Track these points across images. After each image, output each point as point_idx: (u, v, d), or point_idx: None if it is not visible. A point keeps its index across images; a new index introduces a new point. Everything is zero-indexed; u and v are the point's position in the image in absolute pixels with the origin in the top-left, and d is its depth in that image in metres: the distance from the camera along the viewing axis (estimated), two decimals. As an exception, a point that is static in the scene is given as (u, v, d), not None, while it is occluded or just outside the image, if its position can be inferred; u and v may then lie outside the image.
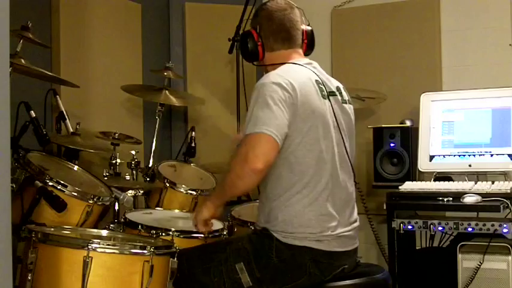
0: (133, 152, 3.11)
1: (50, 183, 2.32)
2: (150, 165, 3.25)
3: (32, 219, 2.25)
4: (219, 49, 3.74)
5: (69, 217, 2.36)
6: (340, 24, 4.04)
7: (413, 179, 3.33)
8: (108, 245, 2.00)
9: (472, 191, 2.91)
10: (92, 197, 2.41)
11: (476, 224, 2.85)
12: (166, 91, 3.43)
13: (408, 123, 3.49)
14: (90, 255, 1.93)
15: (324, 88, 2.19)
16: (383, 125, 3.52)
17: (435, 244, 3.44)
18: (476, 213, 3.01)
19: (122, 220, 2.55)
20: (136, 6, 3.88)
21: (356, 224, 2.24)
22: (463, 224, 2.88)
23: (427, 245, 3.47)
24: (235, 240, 2.31)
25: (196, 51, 4.13)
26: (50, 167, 2.44)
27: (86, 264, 1.92)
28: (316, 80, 2.18)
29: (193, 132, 3.47)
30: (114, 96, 3.60)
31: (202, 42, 4.12)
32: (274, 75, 2.11)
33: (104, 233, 2.36)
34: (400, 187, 3.13)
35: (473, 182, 3.05)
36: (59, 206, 2.28)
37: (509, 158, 3.13)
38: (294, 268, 2.07)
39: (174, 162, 3.31)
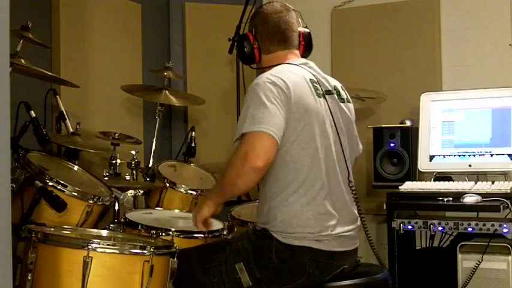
0: (133, 152, 3.11)
1: (50, 183, 2.32)
2: (150, 165, 3.25)
3: (32, 219, 2.25)
4: (219, 49, 3.74)
5: (69, 217, 2.35)
6: (340, 24, 4.04)
7: (413, 179, 3.33)
8: (108, 245, 1.99)
9: (472, 191, 2.91)
10: (92, 197, 2.41)
11: (476, 224, 2.85)
12: (166, 91, 3.43)
13: (408, 123, 3.49)
14: (90, 255, 1.93)
15: (319, 87, 2.19)
16: (383, 125, 3.53)
17: (435, 244, 3.44)
18: (476, 213, 3.01)
19: (122, 220, 2.55)
20: (136, 6, 3.88)
21: (357, 224, 2.24)
22: (463, 224, 2.88)
23: (427, 245, 3.47)
24: (234, 240, 2.31)
25: (196, 51, 4.13)
26: (50, 167, 2.44)
27: (86, 264, 1.92)
28: (311, 79, 2.19)
29: (193, 132, 3.47)
30: (114, 96, 3.61)
31: (202, 42, 4.12)
32: (268, 75, 2.12)
33: (104, 233, 2.36)
34: (400, 187, 3.13)
35: (473, 182, 3.05)
36: (59, 206, 2.28)
37: (509, 158, 3.13)
38: (294, 268, 2.07)
39: (174, 162, 3.31)
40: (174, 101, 3.45)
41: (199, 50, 4.13)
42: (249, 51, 2.31)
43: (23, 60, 2.58)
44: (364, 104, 3.47)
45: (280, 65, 2.22)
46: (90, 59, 3.55)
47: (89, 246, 1.94)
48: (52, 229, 2.18)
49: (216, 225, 2.66)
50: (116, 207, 2.60)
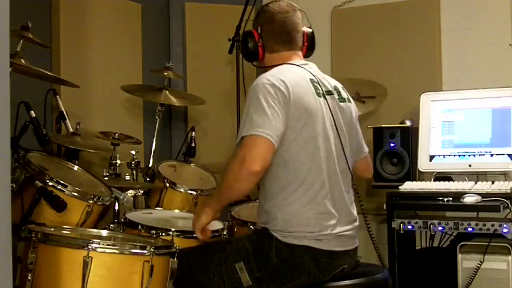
0: (133, 152, 3.11)
1: (50, 183, 2.32)
2: (150, 165, 3.25)
3: (32, 219, 2.25)
4: (219, 49, 3.74)
5: (69, 217, 2.35)
6: (340, 24, 4.04)
7: (413, 179, 3.33)
8: (108, 245, 1.99)
9: (472, 191, 2.91)
10: (92, 197, 2.41)
11: (476, 224, 2.85)
12: (166, 91, 3.43)
13: (408, 123, 3.49)
14: (90, 255, 1.92)
15: (319, 87, 2.20)
16: (383, 125, 3.52)
17: (435, 244, 3.44)
18: (476, 213, 3.01)
19: (122, 220, 2.55)
20: (136, 6, 3.88)
21: (356, 224, 2.24)
22: (463, 224, 2.88)
23: (427, 245, 3.47)
24: (235, 239, 2.31)
25: (196, 51, 4.13)
26: (50, 167, 2.44)
27: (86, 264, 1.92)
28: (311, 79, 2.19)
29: (193, 132, 3.47)
30: (114, 96, 3.61)
31: (202, 42, 4.12)
32: (268, 76, 2.13)
33: (104, 233, 2.36)
34: (400, 187, 3.13)
35: (473, 182, 3.05)
36: (59, 206, 2.28)
37: (509, 158, 3.13)
38: (294, 267, 2.07)
39: (174, 162, 3.31)
40: (174, 101, 3.45)
41: (199, 50, 4.13)
42: (253, 49, 2.31)
43: (23, 60, 2.58)
44: (364, 105, 3.47)
45: (280, 65, 2.23)
46: (90, 59, 3.55)
47: (89, 246, 1.94)
48: (52, 229, 2.18)
49: (216, 225, 2.66)
50: (116, 207, 2.60)
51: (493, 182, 3.00)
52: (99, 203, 2.45)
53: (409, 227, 2.99)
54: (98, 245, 1.96)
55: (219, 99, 4.07)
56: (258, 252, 2.09)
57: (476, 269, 2.83)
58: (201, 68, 4.12)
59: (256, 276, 2.08)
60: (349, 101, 2.34)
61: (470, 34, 3.70)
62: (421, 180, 3.28)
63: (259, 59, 2.33)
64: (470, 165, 3.21)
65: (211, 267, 2.13)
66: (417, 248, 3.49)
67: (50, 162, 2.57)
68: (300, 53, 2.34)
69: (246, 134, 2.03)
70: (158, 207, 2.97)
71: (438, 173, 3.29)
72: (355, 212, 2.25)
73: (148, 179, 3.11)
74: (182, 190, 3.00)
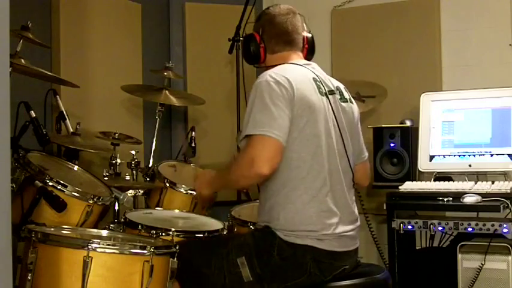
0: (133, 152, 3.10)
1: (50, 183, 2.32)
2: (150, 165, 3.24)
3: (32, 219, 2.25)
4: (219, 49, 3.74)
5: (69, 217, 2.35)
6: (340, 24, 4.04)
7: (413, 179, 3.33)
8: (108, 245, 1.99)
9: (472, 191, 2.91)
10: (92, 197, 2.41)
11: (476, 224, 2.85)
12: (166, 91, 3.43)
13: (408, 123, 3.49)
14: (90, 255, 1.92)
15: (322, 86, 2.21)
16: (383, 125, 3.53)
17: (435, 244, 3.44)
18: (476, 213, 3.01)
19: (122, 220, 2.55)
20: (136, 6, 3.87)
21: (357, 224, 2.24)
22: (463, 224, 2.88)
23: (427, 245, 3.47)
24: (237, 235, 2.33)
25: (196, 51, 4.13)
26: (50, 167, 2.44)
27: (86, 264, 1.92)
28: (314, 78, 2.20)
29: (193, 132, 3.47)
30: (114, 96, 3.60)
31: (202, 42, 4.12)
32: (271, 73, 2.14)
33: (104, 233, 2.36)
34: (400, 187, 3.14)
35: (473, 182, 3.05)
36: (59, 206, 2.28)
37: (509, 158, 3.13)
38: (295, 267, 2.07)
39: (174, 162, 3.31)
40: (174, 101, 3.45)
41: (199, 50, 4.13)
42: (255, 51, 2.33)
43: (23, 60, 2.58)
44: (364, 104, 3.47)
45: (283, 64, 2.23)
46: (90, 59, 3.55)
47: (89, 246, 1.93)
48: (52, 229, 2.18)
49: (216, 225, 2.66)
50: (116, 207, 2.60)
51: (493, 182, 3.00)
52: (99, 203, 2.45)
53: (409, 227, 2.99)
54: (98, 245, 1.95)
55: (219, 99, 4.07)
56: (260, 249, 2.10)
57: (476, 269, 2.83)
58: (201, 68, 4.12)
59: (257, 272, 2.08)
60: (351, 102, 2.35)
61: (470, 34, 3.70)
62: (421, 180, 3.28)
63: (261, 61, 2.35)
64: (470, 165, 3.21)
65: (213, 260, 2.14)
66: (417, 248, 3.50)
67: (50, 162, 2.57)
68: (301, 54, 2.35)
69: (252, 132, 2.03)
70: (158, 207, 2.97)
71: (438, 173, 3.29)
72: (356, 211, 2.26)
73: (148, 179, 3.11)
74: (182, 190, 3.00)
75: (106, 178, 2.85)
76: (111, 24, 3.71)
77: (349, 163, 2.24)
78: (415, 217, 3.05)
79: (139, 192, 3.01)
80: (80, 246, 1.94)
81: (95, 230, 2.38)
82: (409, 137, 3.44)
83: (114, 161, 2.99)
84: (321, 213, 2.10)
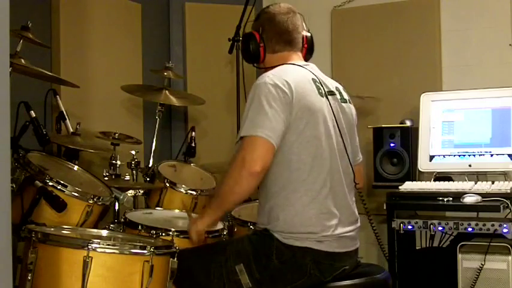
0: (133, 152, 3.11)
1: (50, 183, 2.32)
2: (150, 165, 3.24)
3: (32, 219, 2.25)
4: (219, 49, 3.74)
5: (69, 217, 2.35)
6: (340, 24, 4.04)
7: (413, 179, 3.33)
8: (108, 245, 1.99)
9: (472, 191, 2.91)
10: (92, 197, 2.41)
11: (476, 224, 2.85)
12: (166, 91, 3.43)
13: (408, 123, 3.49)
14: (90, 255, 1.92)
15: (321, 87, 2.20)
16: (383, 125, 3.52)
17: (435, 244, 3.44)
18: (476, 213, 3.01)
19: (122, 220, 2.55)
20: (136, 6, 3.87)
21: (358, 224, 2.24)
22: (463, 224, 2.88)
23: (427, 245, 3.47)
24: (235, 240, 2.31)
25: (196, 51, 4.13)
26: (50, 167, 2.44)
27: (86, 264, 1.92)
28: (313, 79, 2.20)
29: (193, 132, 3.46)
30: (114, 96, 3.60)
31: (202, 42, 4.12)
32: (270, 75, 2.13)
33: (104, 233, 2.36)
34: (400, 187, 3.13)
35: (473, 182, 3.05)
36: (59, 206, 2.28)
37: (509, 158, 3.13)
38: (295, 269, 2.07)
39: (174, 162, 3.31)
40: (174, 101, 3.45)
41: (199, 50, 4.13)
42: (254, 50, 2.32)
43: (23, 60, 2.58)
44: (364, 104, 3.47)
45: (282, 65, 2.23)
46: (90, 59, 3.55)
47: (89, 246, 1.93)
48: (52, 229, 2.18)
49: (216, 225, 2.65)
50: (116, 207, 2.60)
51: (493, 182, 3.00)
52: (99, 203, 2.45)
53: (409, 227, 2.99)
54: (98, 245, 1.95)
55: (219, 99, 4.07)
56: (258, 253, 2.09)
57: (476, 269, 2.83)
58: (201, 68, 4.12)
59: (256, 278, 2.07)
60: (350, 102, 2.35)
61: (470, 34, 3.70)
62: (421, 180, 3.28)
63: (260, 60, 2.34)
64: (470, 165, 3.21)
65: (212, 269, 2.13)
66: (417, 248, 3.49)
67: (50, 162, 2.57)
68: (300, 54, 2.35)
69: (245, 134, 2.03)
70: (158, 207, 2.97)
71: (438, 173, 3.29)
72: (356, 212, 2.26)
73: (148, 179, 3.11)
74: (182, 190, 3.00)
75: (106, 178, 2.85)
76: (111, 24, 3.71)
77: (350, 163, 2.24)
78: (415, 217, 3.05)
79: (139, 192, 3.01)
80: (80, 246, 1.94)
81: (95, 230, 2.39)
82: (409, 137, 3.44)
83: (114, 161, 2.99)
84: (321, 215, 2.09)
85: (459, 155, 3.26)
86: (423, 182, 3.19)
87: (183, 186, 3.01)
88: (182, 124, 4.14)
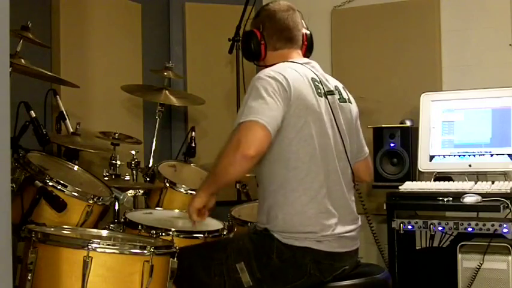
0: (133, 152, 3.11)
1: (50, 183, 2.32)
2: (150, 165, 3.24)
3: (32, 219, 2.25)
4: (219, 49, 3.74)
5: (69, 217, 2.35)
6: (340, 24, 4.04)
7: (413, 179, 3.33)
8: (108, 245, 1.99)
9: (472, 191, 2.91)
10: (92, 197, 2.41)
11: (476, 224, 2.85)
12: (166, 91, 3.43)
13: (408, 123, 3.49)
14: (90, 255, 1.92)
15: (320, 86, 2.20)
16: (383, 125, 3.52)
17: (435, 244, 3.44)
18: (476, 213, 3.01)
19: (122, 220, 2.55)
20: (136, 6, 3.87)
21: (358, 224, 2.24)
22: (463, 224, 2.88)
23: (427, 245, 3.47)
24: (236, 239, 2.31)
25: (196, 51, 4.13)
26: (50, 167, 2.44)
27: (86, 264, 1.92)
28: (313, 78, 2.19)
29: (193, 132, 3.46)
30: (114, 96, 3.60)
31: (202, 42, 4.12)
32: (269, 71, 2.13)
33: (104, 233, 2.36)
34: (400, 187, 3.13)
35: (473, 182, 3.05)
36: (59, 206, 2.28)
37: (509, 158, 3.13)
38: (295, 268, 2.07)
39: (174, 162, 3.31)
40: (174, 101, 3.45)
41: (199, 50, 4.13)
42: (255, 48, 2.31)
43: (23, 60, 2.58)
44: (364, 104, 3.47)
45: (282, 63, 2.23)
46: (90, 59, 3.55)
47: (89, 246, 1.94)
48: (52, 229, 2.18)
49: (216, 225, 2.65)
50: (116, 207, 2.60)
51: (493, 182, 3.00)
52: (99, 203, 2.45)
53: (409, 227, 2.99)
54: (98, 245, 1.95)
55: (219, 99, 4.07)
56: (258, 252, 2.09)
57: (476, 269, 2.83)
58: (201, 68, 4.12)
59: (257, 276, 2.08)
60: (350, 102, 2.34)
61: (470, 34, 3.70)
62: (421, 180, 3.28)
63: (261, 58, 2.33)
64: (470, 165, 3.21)
65: (212, 266, 2.13)
66: (417, 248, 3.49)
67: (50, 162, 2.57)
68: (300, 52, 2.35)
69: (242, 120, 2.01)
70: (158, 207, 2.97)
71: (438, 173, 3.29)
72: (355, 212, 2.25)
73: (148, 179, 3.11)
74: (182, 190, 3.00)
75: (106, 178, 2.85)
76: (111, 24, 3.71)
77: (349, 164, 2.23)
78: (415, 217, 3.05)
79: (139, 192, 3.01)
80: (80, 246, 1.94)
81: (95, 230, 2.39)
82: (409, 137, 3.44)
83: (114, 161, 2.99)
84: (320, 214, 2.09)
85: (459, 155, 3.26)
86: (423, 182, 3.19)
87: (183, 186, 3.01)
88: (182, 124, 4.14)
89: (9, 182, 1.42)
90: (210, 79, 4.10)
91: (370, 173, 2.51)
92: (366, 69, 3.90)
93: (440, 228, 2.94)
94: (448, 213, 3.20)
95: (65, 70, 3.32)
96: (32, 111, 2.49)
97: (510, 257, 2.81)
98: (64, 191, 2.34)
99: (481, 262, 2.81)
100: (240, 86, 3.68)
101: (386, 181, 3.45)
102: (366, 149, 2.44)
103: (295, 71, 2.17)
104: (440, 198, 2.95)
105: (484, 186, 2.97)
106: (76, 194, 2.37)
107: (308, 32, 2.38)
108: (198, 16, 4.15)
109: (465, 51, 3.71)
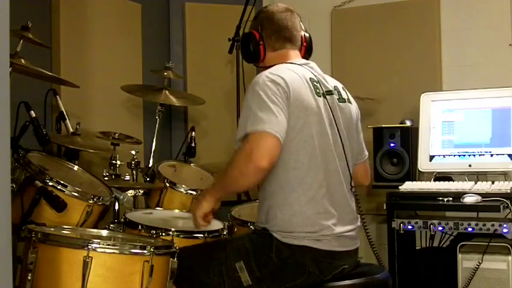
0: (133, 152, 3.11)
1: (50, 183, 2.32)
2: (150, 165, 3.25)
3: (32, 219, 2.25)
4: (219, 49, 3.75)
5: (69, 217, 2.35)
6: (340, 24, 4.04)
7: (413, 179, 3.33)
8: (108, 245, 1.99)
9: (472, 191, 2.91)
10: (92, 197, 2.41)
11: (476, 224, 2.85)
12: (166, 91, 3.43)
13: (408, 123, 3.49)
14: (90, 255, 1.92)
15: (319, 86, 2.20)
16: (383, 125, 3.52)
17: (435, 244, 3.44)
18: (476, 213, 3.01)
19: (122, 220, 2.55)
20: (136, 6, 3.88)
21: (357, 224, 2.24)
22: (463, 224, 2.88)
23: (427, 245, 3.47)
24: (235, 239, 2.30)
25: (196, 51, 4.13)
26: (50, 167, 2.44)
27: (86, 264, 1.92)
28: (311, 78, 2.20)
29: (193, 132, 3.46)
30: (114, 96, 3.60)
31: (202, 42, 4.12)
32: (267, 73, 2.13)
33: (104, 233, 2.36)
34: (400, 187, 3.14)
35: (473, 182, 3.05)
36: (59, 206, 2.28)
37: (509, 158, 3.13)
38: (294, 267, 2.07)
39: (174, 162, 3.31)
40: (174, 101, 3.45)
41: (199, 50, 4.13)
42: (255, 49, 2.31)
43: (23, 60, 2.58)
44: (364, 104, 3.47)
45: (280, 64, 2.23)
46: (90, 59, 3.55)
47: (89, 246, 1.93)
48: (52, 229, 2.18)
49: (216, 225, 2.65)
50: (116, 207, 2.60)
51: (493, 182, 3.00)
52: (99, 203, 2.45)
53: (409, 227, 2.99)
54: (98, 245, 1.95)
55: (219, 99, 4.07)
56: (258, 251, 2.09)
57: (476, 269, 2.84)
58: (201, 68, 4.12)
59: (257, 276, 2.08)
60: (350, 102, 2.34)
61: (470, 34, 3.70)
62: (421, 180, 3.28)
63: (260, 59, 2.34)
64: (470, 165, 3.21)
65: (212, 266, 2.13)
66: (417, 248, 3.49)
67: (50, 162, 2.57)
68: (299, 53, 2.35)
69: (252, 130, 2.01)
70: (158, 207, 2.97)
71: (438, 173, 3.29)
72: (355, 212, 2.25)
73: (148, 179, 3.11)
74: (182, 190, 3.00)
75: (106, 178, 2.85)
76: (111, 24, 3.71)
77: (348, 164, 2.23)
78: (415, 217, 3.05)
79: (139, 192, 3.01)
80: (80, 246, 1.94)
81: (95, 230, 2.38)
82: (409, 137, 3.44)
83: (114, 161, 2.99)
84: (318, 215, 2.09)
85: (459, 155, 3.26)
86: (423, 182, 3.19)
87: (183, 186, 3.01)
88: (182, 124, 4.15)
89: (9, 182, 1.42)
90: (210, 79, 4.10)
91: (368, 176, 2.51)
92: (366, 69, 3.91)
93: (440, 228, 2.94)
94: (448, 213, 3.20)
95: (65, 70, 3.32)
96: (32, 111, 2.49)
97: (510, 257, 2.81)
98: (64, 191, 2.34)
99: (481, 262, 2.81)
100: (240, 86, 3.68)
101: (386, 181, 3.45)
102: (366, 152, 2.44)
103: (294, 72, 2.17)
104: (440, 198, 2.95)
105: (484, 186, 2.97)
106: (76, 194, 2.37)
107: (307, 35, 2.39)
108: (198, 16, 4.15)
109: (465, 51, 3.72)
